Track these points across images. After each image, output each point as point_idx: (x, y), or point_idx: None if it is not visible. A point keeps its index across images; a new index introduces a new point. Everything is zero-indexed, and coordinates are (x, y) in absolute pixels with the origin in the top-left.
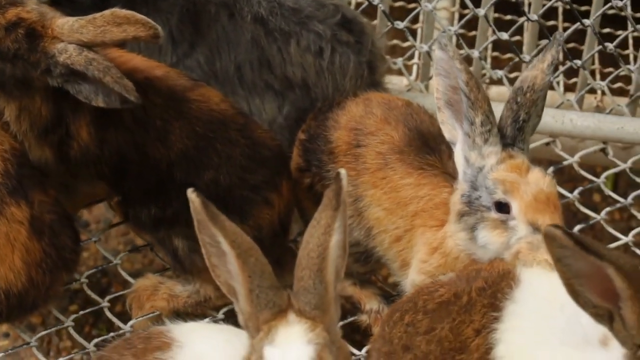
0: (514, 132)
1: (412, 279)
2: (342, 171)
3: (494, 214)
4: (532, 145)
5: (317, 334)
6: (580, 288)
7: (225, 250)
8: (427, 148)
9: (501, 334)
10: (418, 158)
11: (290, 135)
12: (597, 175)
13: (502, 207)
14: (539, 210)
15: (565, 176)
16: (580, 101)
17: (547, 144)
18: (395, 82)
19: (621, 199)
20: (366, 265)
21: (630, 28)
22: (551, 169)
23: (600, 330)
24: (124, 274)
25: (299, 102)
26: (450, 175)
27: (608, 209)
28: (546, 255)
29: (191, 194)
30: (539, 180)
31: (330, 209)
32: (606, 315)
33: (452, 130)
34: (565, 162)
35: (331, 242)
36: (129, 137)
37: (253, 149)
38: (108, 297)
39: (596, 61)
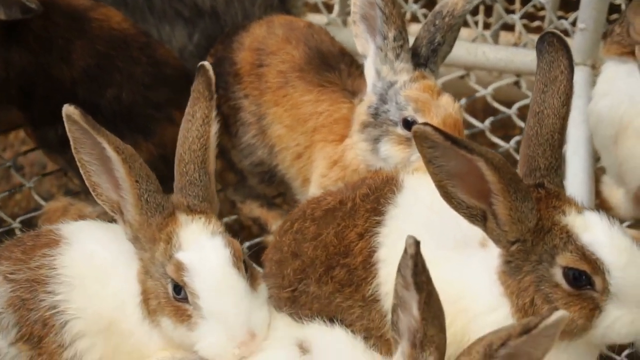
0: (427, 53)
1: (312, 193)
2: (206, 63)
3: (400, 130)
4: (446, 78)
5: (215, 224)
6: (452, 189)
7: (110, 156)
8: (327, 66)
9: (383, 238)
10: (318, 76)
11: (200, 62)
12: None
13: (409, 125)
14: None
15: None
16: (495, 37)
17: (462, 77)
18: (317, 19)
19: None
20: (271, 186)
21: None
22: (464, 100)
23: (480, 232)
24: (37, 197)
25: (209, 30)
26: (350, 92)
27: (517, 137)
28: None
29: (68, 107)
30: (449, 104)
31: (205, 99)
32: (480, 215)
33: (365, 44)
34: (478, 94)
35: (211, 132)
36: (33, 58)
37: (155, 67)
38: (19, 219)
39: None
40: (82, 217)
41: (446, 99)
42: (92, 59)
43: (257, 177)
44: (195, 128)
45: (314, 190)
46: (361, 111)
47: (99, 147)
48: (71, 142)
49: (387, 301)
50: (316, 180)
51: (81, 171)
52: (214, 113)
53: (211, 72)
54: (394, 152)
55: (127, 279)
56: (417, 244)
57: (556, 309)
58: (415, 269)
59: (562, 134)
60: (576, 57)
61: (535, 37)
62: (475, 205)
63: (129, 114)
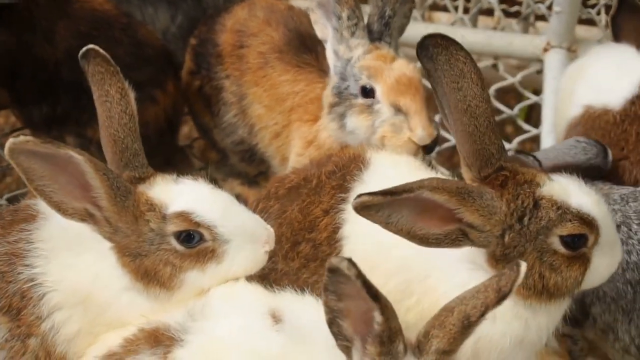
0: (380, 27)
1: None
2: (92, 46)
3: (360, 100)
4: None
5: (168, 175)
6: (421, 232)
7: (76, 162)
8: (305, 47)
9: (348, 215)
10: (296, 57)
11: (183, 44)
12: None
13: (368, 92)
14: (401, 92)
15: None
16: (474, 21)
17: None
18: (301, 4)
19: (507, 110)
20: (251, 164)
21: None
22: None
23: None
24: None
25: (191, 11)
26: (325, 72)
27: None
28: (408, 135)
29: (15, 140)
30: (403, 66)
31: (111, 75)
32: (459, 236)
33: (323, 29)
34: None
35: (131, 101)
36: (17, 39)
37: (137, 47)
38: (6, 196)
39: None
40: None
41: (400, 62)
42: (75, 39)
43: (238, 156)
44: (117, 103)
45: (291, 168)
46: (327, 94)
47: (57, 164)
48: (22, 176)
49: None
50: (293, 159)
51: (41, 199)
52: (125, 83)
53: (101, 50)
54: (358, 122)
55: (100, 251)
56: (352, 264)
57: (518, 264)
58: (366, 285)
59: (493, 114)
60: (552, 39)
61: (513, 22)
62: (450, 231)
63: None
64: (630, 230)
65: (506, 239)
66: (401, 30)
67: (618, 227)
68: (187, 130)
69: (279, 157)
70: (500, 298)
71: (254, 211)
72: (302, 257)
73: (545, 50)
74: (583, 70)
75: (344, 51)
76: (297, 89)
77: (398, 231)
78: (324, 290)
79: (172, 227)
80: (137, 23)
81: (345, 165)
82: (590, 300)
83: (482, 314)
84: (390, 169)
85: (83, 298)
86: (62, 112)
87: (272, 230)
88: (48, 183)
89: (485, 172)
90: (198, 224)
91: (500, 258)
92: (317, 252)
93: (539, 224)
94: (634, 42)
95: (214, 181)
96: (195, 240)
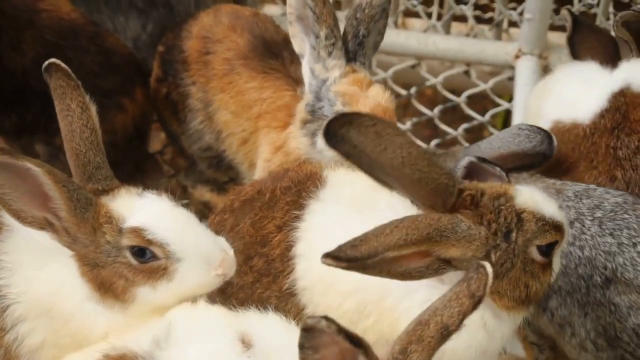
0: (355, 47)
1: (257, 177)
2: (54, 60)
3: None
4: (398, 67)
5: (133, 189)
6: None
7: (34, 174)
8: (270, 54)
9: (301, 233)
10: (261, 63)
11: (154, 52)
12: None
13: None
14: None
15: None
16: (447, 28)
17: (413, 66)
18: (272, 12)
19: (479, 117)
20: (219, 170)
21: None
22: (414, 89)
23: None
24: None
25: (163, 20)
26: (293, 79)
27: (465, 125)
28: None
29: None
30: (378, 94)
31: (72, 89)
32: (442, 266)
33: (301, 43)
34: (428, 83)
35: (93, 115)
36: None
37: (104, 56)
38: None
39: None
40: None
41: (376, 90)
42: (42, 48)
43: (206, 162)
44: (78, 118)
45: (259, 174)
46: (301, 109)
47: (16, 173)
48: None
49: (304, 296)
50: (261, 165)
51: (3, 206)
52: (87, 97)
53: (62, 64)
54: None
55: (63, 262)
56: (331, 321)
57: (481, 265)
58: (348, 337)
59: (420, 147)
60: (524, 46)
61: (486, 28)
62: (431, 262)
63: None
64: (584, 226)
65: (493, 258)
66: (375, 46)
67: (571, 223)
68: (163, 136)
69: (247, 163)
70: (476, 303)
71: (212, 224)
72: (256, 272)
73: (517, 57)
74: (550, 87)
75: (321, 71)
76: (265, 95)
77: (377, 274)
78: (300, 348)
79: (126, 241)
80: (105, 31)
81: (301, 182)
82: (546, 293)
83: (461, 321)
84: (347, 188)
85: (47, 309)
86: (31, 121)
87: (232, 254)
88: (7, 191)
89: (449, 203)
90: (150, 242)
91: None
92: (269, 267)
93: (525, 237)
94: (595, 59)
95: (183, 188)
96: (147, 257)
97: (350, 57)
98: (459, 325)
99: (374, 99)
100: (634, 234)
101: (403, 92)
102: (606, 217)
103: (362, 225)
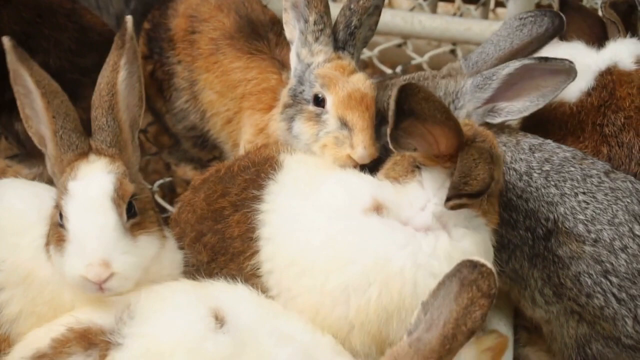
0: (345, 37)
1: None
2: (128, 17)
3: (311, 107)
4: (384, 46)
5: (117, 166)
6: None
7: (31, 89)
8: (256, 34)
9: (265, 215)
10: (247, 44)
11: (137, 29)
12: None
13: (319, 101)
14: (350, 107)
15: None
16: (433, 7)
17: (399, 45)
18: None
19: None
20: (204, 149)
21: None
22: (399, 68)
23: (363, 201)
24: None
25: None
26: (278, 61)
27: None
28: (348, 151)
29: (4, 39)
30: (359, 81)
31: (117, 48)
32: None
33: (292, 30)
34: (413, 62)
35: (118, 79)
36: None
37: (82, 33)
38: None
39: None
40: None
41: (358, 77)
42: (19, 26)
43: (191, 141)
44: (106, 75)
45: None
46: (283, 93)
47: (28, 80)
48: (11, 74)
49: (270, 279)
50: (243, 146)
51: (18, 103)
52: (123, 60)
53: (129, 24)
54: (303, 129)
55: (41, 229)
56: None
57: (481, 264)
58: None
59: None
60: None
61: (472, 8)
62: None
63: (56, 79)
64: (531, 179)
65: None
66: (365, 42)
67: (520, 176)
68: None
69: (230, 142)
70: (493, 299)
71: (179, 204)
72: (210, 249)
73: None
74: None
75: (306, 55)
76: (250, 76)
77: None
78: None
79: (57, 196)
80: (82, 8)
81: (259, 163)
82: (496, 247)
83: (484, 321)
84: (303, 170)
85: (24, 277)
86: (10, 98)
87: (116, 271)
88: (25, 93)
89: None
90: (61, 206)
91: None
92: (226, 245)
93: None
94: (582, 39)
95: (167, 166)
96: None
97: (340, 46)
98: (482, 324)
99: (353, 84)
100: (576, 184)
101: (389, 71)
102: (553, 170)
103: (320, 201)
